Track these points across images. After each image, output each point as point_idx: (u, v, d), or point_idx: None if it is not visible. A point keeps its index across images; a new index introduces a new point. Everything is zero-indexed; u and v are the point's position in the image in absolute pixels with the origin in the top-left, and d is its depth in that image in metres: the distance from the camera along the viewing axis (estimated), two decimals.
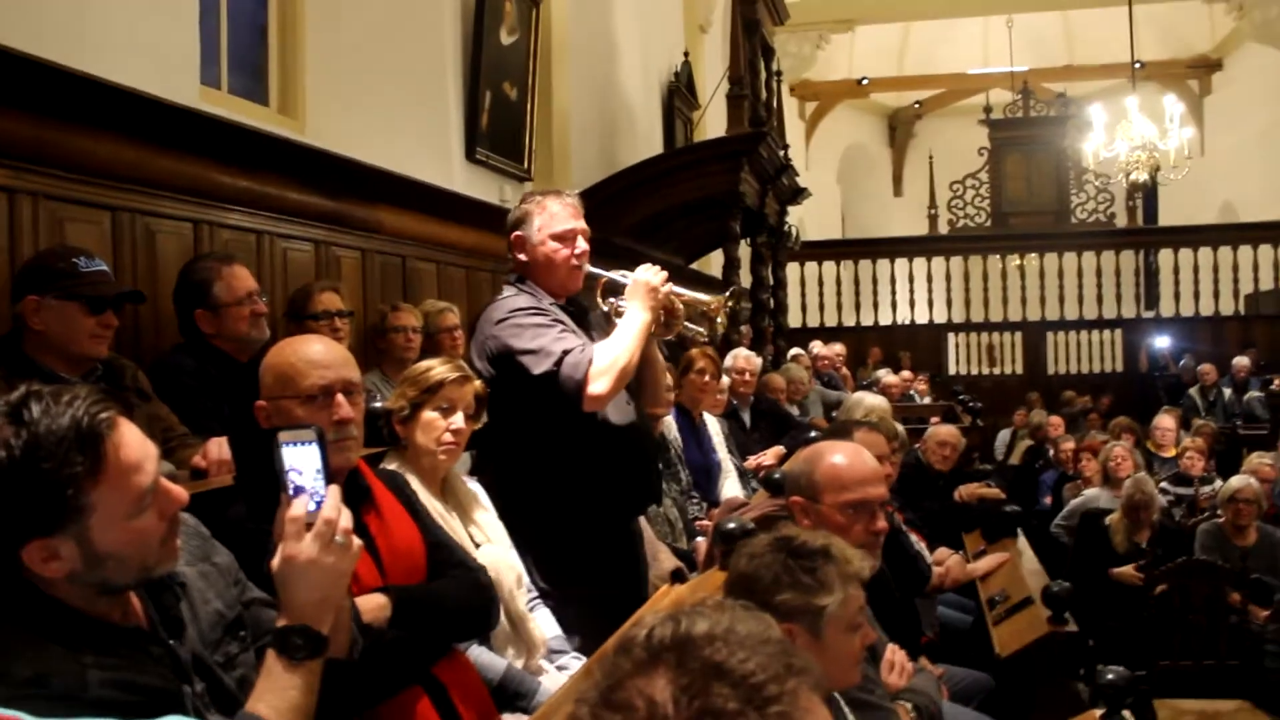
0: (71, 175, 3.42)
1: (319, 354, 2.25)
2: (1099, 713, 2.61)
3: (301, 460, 1.76)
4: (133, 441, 1.56)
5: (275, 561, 1.71)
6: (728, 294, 3.46)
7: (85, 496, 1.50)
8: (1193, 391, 12.08)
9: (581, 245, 3.28)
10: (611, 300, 3.38)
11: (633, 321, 3.16)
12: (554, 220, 3.25)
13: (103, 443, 1.51)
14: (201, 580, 1.79)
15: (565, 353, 3.04)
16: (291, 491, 1.75)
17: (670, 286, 3.24)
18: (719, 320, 3.44)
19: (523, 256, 3.28)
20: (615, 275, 3.36)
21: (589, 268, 3.32)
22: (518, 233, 3.28)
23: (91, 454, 1.49)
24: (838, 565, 2.13)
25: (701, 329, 3.66)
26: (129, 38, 3.81)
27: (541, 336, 3.08)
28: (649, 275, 3.22)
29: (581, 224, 3.30)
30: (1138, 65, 13.72)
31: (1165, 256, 14.22)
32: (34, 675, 1.45)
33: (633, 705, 0.98)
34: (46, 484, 1.47)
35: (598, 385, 3.03)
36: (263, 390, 2.25)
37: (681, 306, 3.32)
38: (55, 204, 3.36)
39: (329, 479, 1.77)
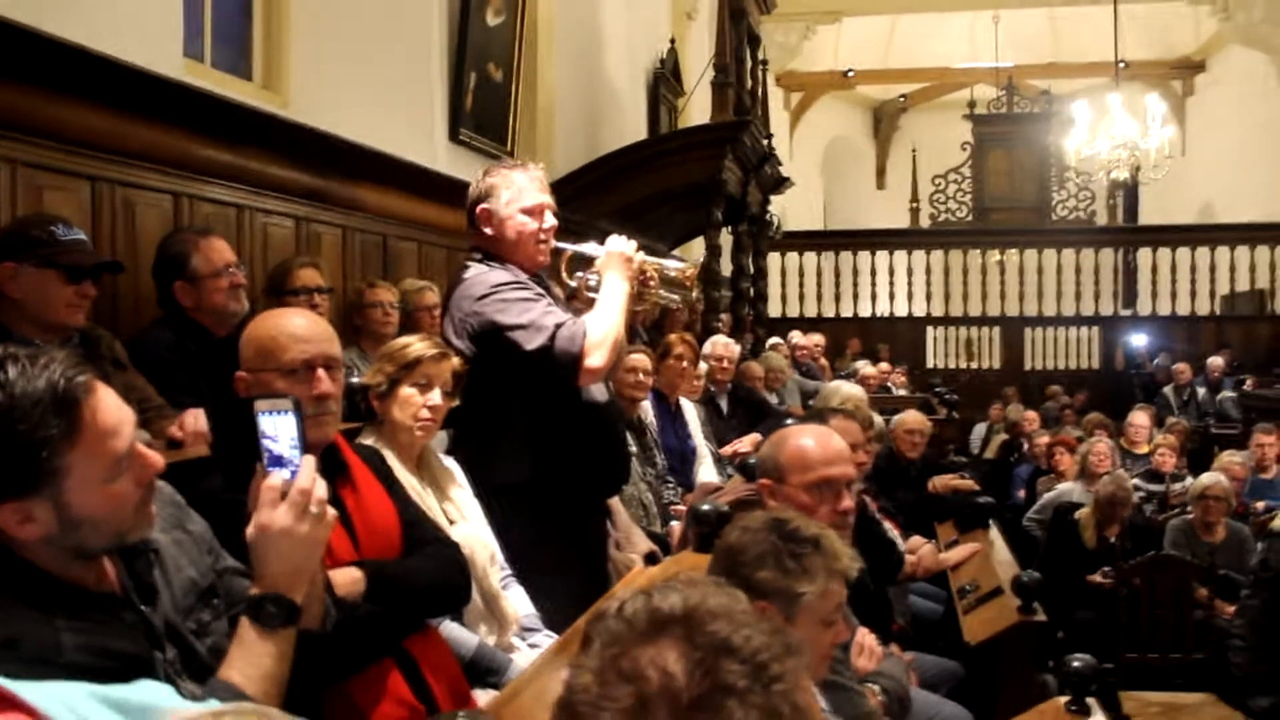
0: (51, 143, 3.40)
1: (301, 328, 2.25)
2: (1064, 700, 2.64)
3: (278, 429, 1.77)
4: (109, 406, 1.56)
5: (250, 530, 1.71)
6: (697, 260, 3.48)
7: (61, 459, 1.49)
8: (1167, 390, 12.18)
9: (550, 220, 3.24)
10: (580, 275, 3.36)
11: (615, 291, 3.15)
12: (522, 194, 3.21)
13: (79, 406, 1.50)
14: (175, 548, 1.79)
15: (558, 326, 3.01)
16: (267, 460, 1.75)
17: (642, 255, 3.24)
18: (692, 286, 3.45)
19: (489, 230, 3.21)
20: (583, 248, 3.35)
21: (556, 242, 3.30)
22: (484, 206, 3.21)
23: (67, 417, 1.49)
24: (825, 558, 2.13)
25: (675, 296, 3.66)
26: (113, 7, 3.79)
27: (530, 311, 3.04)
28: (622, 245, 3.21)
29: (549, 198, 3.27)
30: (1121, 64, 13.80)
31: (1144, 255, 14.31)
32: (6, 638, 1.45)
33: (644, 675, 0.99)
34: (22, 446, 1.46)
35: (594, 358, 3.01)
36: (243, 362, 2.25)
37: (655, 275, 3.32)
38: (34, 171, 3.34)
39: (305, 449, 1.78)
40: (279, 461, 1.76)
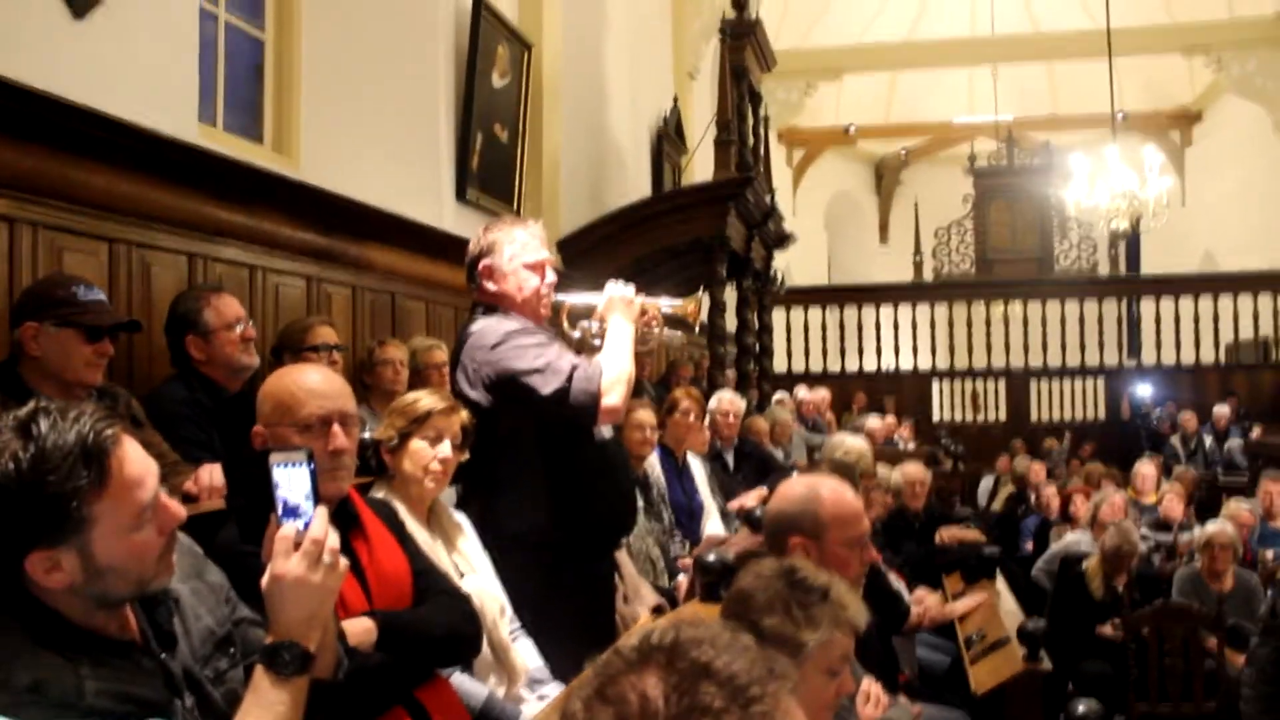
0: (71, 206, 3.49)
1: (318, 384, 2.30)
2: None
3: (292, 481, 1.81)
4: (135, 457, 1.62)
5: (265, 579, 1.76)
6: (697, 294, 3.53)
7: (89, 509, 1.54)
8: (1174, 440, 12.20)
9: (551, 275, 3.30)
10: (583, 324, 3.42)
11: (621, 332, 3.20)
12: (525, 250, 3.26)
13: (107, 458, 1.56)
14: (194, 597, 1.84)
15: (574, 368, 3.05)
16: (281, 512, 1.80)
17: (642, 297, 3.30)
18: (695, 321, 3.51)
19: (493, 286, 3.26)
20: (583, 298, 3.41)
21: (557, 295, 3.36)
22: (486, 262, 3.26)
23: (96, 468, 1.54)
24: (833, 608, 2.15)
25: (679, 334, 3.71)
26: (132, 74, 3.90)
27: (544, 355, 3.08)
28: (621, 289, 3.28)
29: (549, 254, 3.34)
30: (1120, 116, 13.94)
31: (1147, 305, 14.38)
32: (33, 682, 1.49)
33: (625, 699, 1.03)
34: (52, 496, 1.51)
35: (612, 396, 3.06)
36: (260, 417, 2.30)
37: (657, 314, 3.37)
38: (54, 234, 3.43)
39: (318, 500, 1.83)
40: (293, 512, 1.80)
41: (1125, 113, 14.82)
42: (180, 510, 1.70)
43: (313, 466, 1.83)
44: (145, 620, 1.73)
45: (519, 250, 3.25)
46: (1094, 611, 6.04)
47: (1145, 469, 8.97)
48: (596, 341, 3.28)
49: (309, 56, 5.46)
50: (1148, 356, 14.29)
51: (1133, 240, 16.96)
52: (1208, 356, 13.90)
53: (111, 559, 1.59)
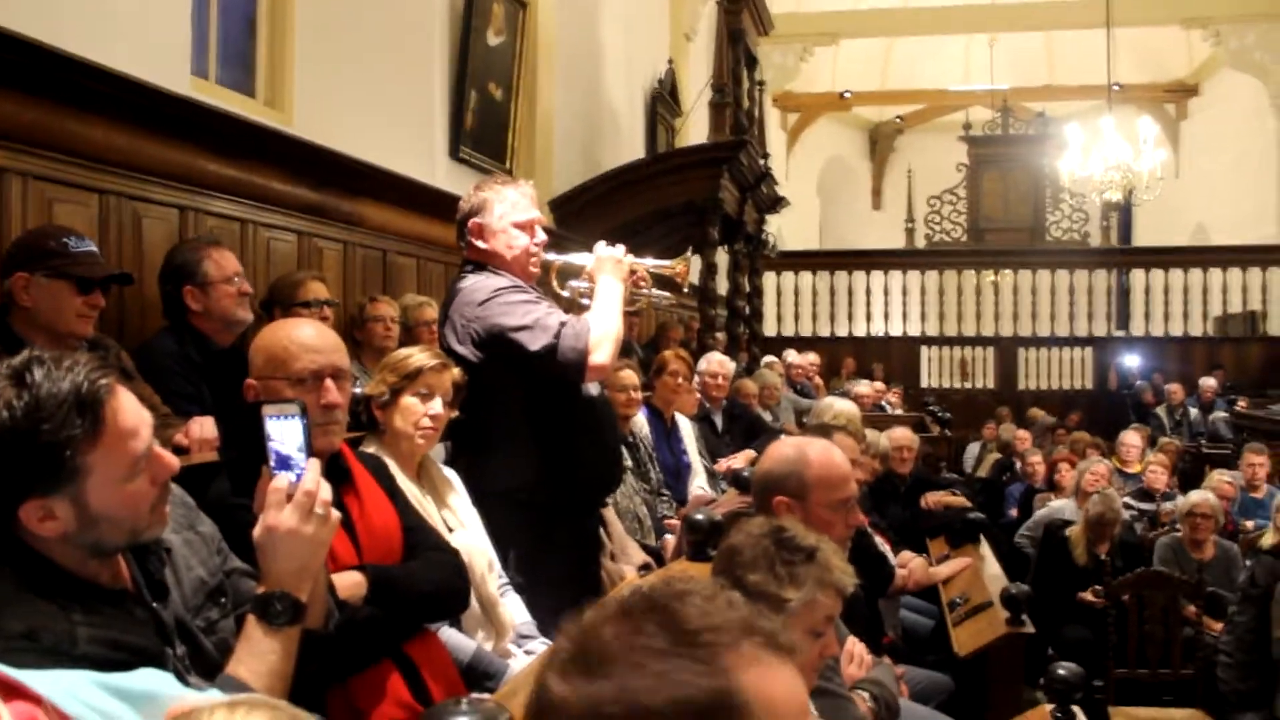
0: (62, 157, 3.47)
1: (311, 338, 2.31)
2: (1050, 708, 2.70)
3: (284, 433, 1.82)
4: (129, 408, 1.62)
5: (256, 530, 1.77)
6: (686, 255, 3.55)
7: (83, 458, 1.55)
8: (1160, 410, 12.26)
9: (540, 234, 3.31)
10: (571, 284, 3.44)
11: (610, 291, 3.22)
12: (515, 209, 3.27)
13: (102, 407, 1.56)
14: (186, 548, 1.85)
15: (561, 325, 3.07)
16: (274, 463, 1.81)
17: (631, 257, 3.31)
18: (684, 283, 3.52)
19: (482, 244, 3.27)
20: (571, 258, 3.42)
21: (546, 254, 3.37)
22: (476, 220, 3.27)
23: (91, 417, 1.55)
24: (818, 569, 2.18)
25: (667, 294, 3.73)
26: (124, 25, 3.87)
27: (533, 312, 3.10)
28: (609, 249, 3.29)
29: (539, 213, 3.35)
30: (1115, 87, 13.91)
31: (1138, 277, 14.42)
32: (26, 630, 1.50)
33: (586, 639, 1.02)
34: (46, 445, 1.52)
35: (600, 354, 3.08)
36: (252, 370, 2.31)
37: (646, 275, 3.38)
38: (45, 185, 3.42)
39: (310, 453, 1.84)
40: (285, 464, 1.81)
41: (1121, 85, 14.78)
42: (173, 461, 1.70)
43: (305, 419, 1.84)
44: (137, 569, 1.75)
45: (509, 209, 3.26)
46: (1076, 578, 6.10)
47: (1130, 439, 9.02)
48: (585, 301, 3.29)
49: (303, 10, 5.41)
50: (1136, 327, 14.33)
51: (1124, 212, 16.97)
52: (1196, 329, 13.96)
53: (105, 508, 1.59)
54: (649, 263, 3.40)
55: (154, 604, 1.73)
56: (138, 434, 1.62)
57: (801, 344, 12.59)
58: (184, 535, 1.87)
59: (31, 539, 1.59)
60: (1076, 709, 2.71)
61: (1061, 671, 2.71)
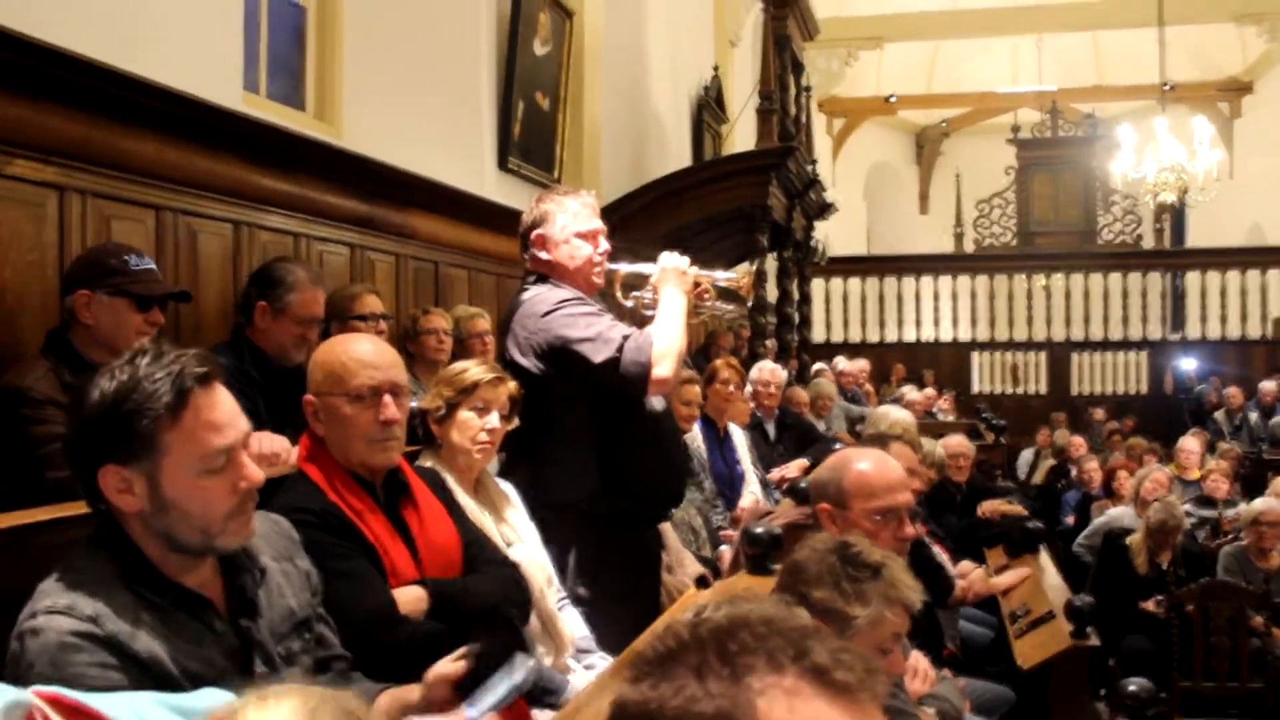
0: (120, 174, 3.50)
1: (369, 354, 2.30)
2: None
3: (497, 683, 1.86)
4: (220, 404, 1.69)
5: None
6: (751, 268, 3.50)
7: (160, 436, 1.63)
8: (1218, 415, 12.04)
9: (604, 244, 3.29)
10: (635, 295, 3.41)
11: (673, 303, 3.18)
12: (577, 219, 3.24)
13: (188, 393, 1.64)
14: (282, 576, 1.88)
15: (625, 338, 3.04)
16: (469, 697, 1.84)
17: (696, 269, 3.28)
18: (748, 295, 3.47)
19: (545, 255, 3.25)
20: (635, 268, 3.40)
21: (610, 265, 3.34)
22: (539, 231, 3.25)
23: (175, 398, 1.63)
24: (885, 585, 2.14)
25: (730, 307, 3.69)
26: (177, 41, 3.89)
27: (596, 324, 3.07)
28: (675, 260, 3.25)
29: (601, 223, 3.31)
30: (1167, 87, 13.72)
31: (1193, 278, 14.18)
32: (94, 614, 1.55)
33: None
34: (128, 412, 1.62)
35: (662, 368, 3.04)
36: (311, 386, 2.30)
37: (709, 287, 3.35)
38: (103, 202, 3.44)
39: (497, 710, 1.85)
40: (471, 699, 1.83)
41: (1172, 84, 14.55)
42: (257, 474, 1.73)
43: (519, 687, 1.85)
44: (227, 586, 1.78)
45: (571, 219, 3.24)
46: (1137, 587, 6.00)
47: (1189, 444, 8.87)
48: (649, 312, 3.26)
49: (351, 23, 5.44)
50: (1192, 330, 14.09)
51: (1178, 213, 16.70)
52: (1255, 331, 13.71)
53: (176, 496, 1.65)
54: (713, 274, 3.37)
55: (242, 620, 1.75)
56: (220, 430, 1.67)
57: (850, 350, 12.52)
58: (282, 565, 1.90)
59: (122, 521, 1.67)
60: None
61: (1132, 688, 2.65)
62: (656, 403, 3.25)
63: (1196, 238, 17.43)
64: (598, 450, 3.15)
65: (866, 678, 0.95)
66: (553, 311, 3.11)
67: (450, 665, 1.81)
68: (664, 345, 3.06)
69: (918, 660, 2.93)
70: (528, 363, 3.13)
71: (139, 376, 1.63)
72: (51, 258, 3.23)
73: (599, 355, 3.04)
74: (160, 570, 1.67)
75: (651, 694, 0.95)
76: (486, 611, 2.39)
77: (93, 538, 1.71)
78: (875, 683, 0.95)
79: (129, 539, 1.67)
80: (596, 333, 3.06)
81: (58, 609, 1.55)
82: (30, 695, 1.36)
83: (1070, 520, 8.83)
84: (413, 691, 1.87)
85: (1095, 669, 4.46)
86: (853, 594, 2.12)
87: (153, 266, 2.97)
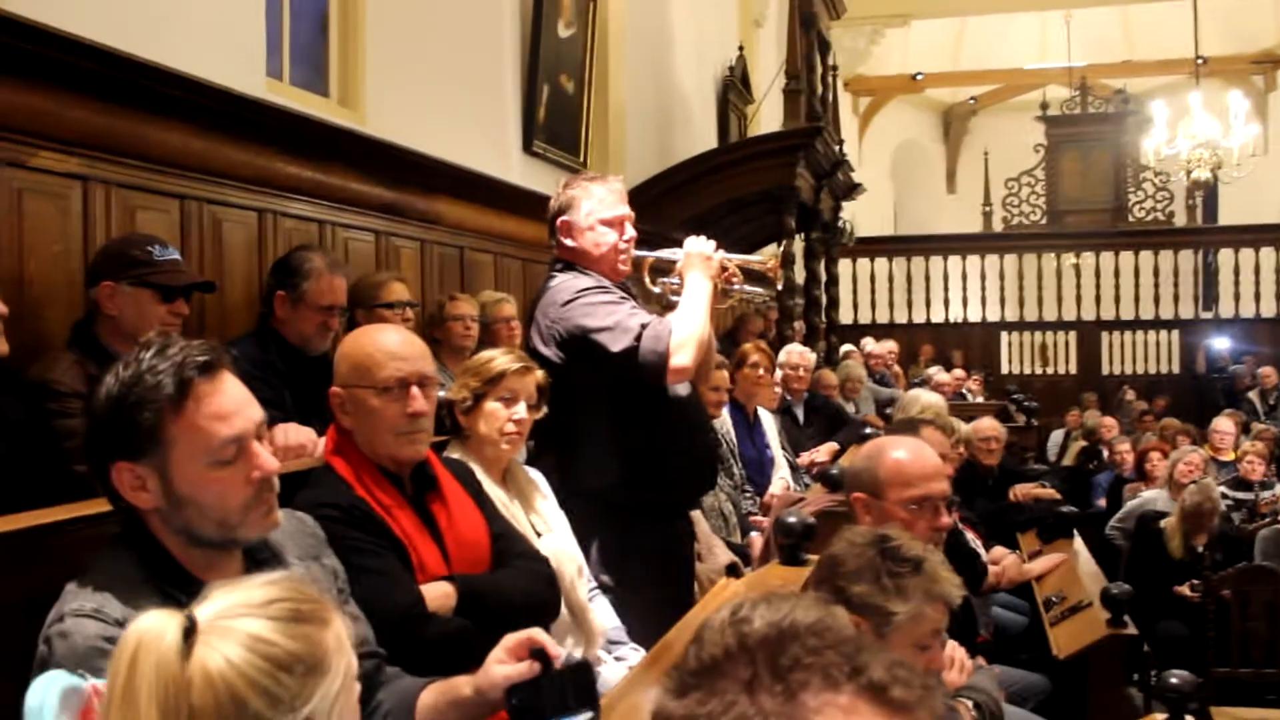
0: (143, 164, 3.48)
1: (396, 345, 2.27)
2: (1162, 718, 2.58)
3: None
4: (226, 391, 1.66)
5: None
6: (779, 251, 3.45)
7: (165, 428, 1.61)
8: (1252, 395, 11.88)
9: (630, 230, 3.25)
10: (663, 281, 3.37)
11: (698, 290, 3.14)
12: (602, 205, 3.21)
13: (192, 383, 1.62)
14: (306, 574, 1.84)
15: (643, 327, 3.00)
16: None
17: (722, 253, 3.23)
18: (776, 279, 3.43)
19: (571, 242, 3.22)
20: (663, 254, 3.36)
21: (636, 251, 3.30)
22: (564, 218, 3.22)
23: (178, 389, 1.61)
24: (925, 580, 2.10)
25: (759, 290, 3.64)
26: (198, 29, 3.87)
27: (615, 313, 3.04)
28: (700, 245, 3.21)
29: (628, 209, 3.27)
30: (1200, 61, 13.51)
31: (1225, 256, 14.00)
32: (122, 618, 1.53)
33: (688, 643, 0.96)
34: (133, 405, 1.60)
35: (681, 357, 3.00)
36: (338, 378, 2.27)
37: (737, 271, 3.30)
38: (126, 192, 3.42)
39: None
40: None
41: (1205, 58, 14.33)
42: (271, 462, 1.70)
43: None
44: None
45: (596, 205, 3.20)
46: (1172, 571, 5.93)
47: (1224, 425, 8.75)
48: (676, 298, 3.22)
49: (373, 7, 5.39)
50: (1225, 309, 13.91)
51: (1210, 190, 16.48)
52: None
53: (190, 489, 1.63)
54: (740, 258, 3.32)
55: None
56: (227, 419, 1.64)
57: (878, 331, 12.43)
58: (307, 564, 1.87)
59: (146, 522, 1.66)
60: (1190, 718, 2.60)
61: (1174, 680, 2.59)
62: (681, 390, 3.21)
63: (1230, 214, 17.17)
64: (619, 438, 3.12)
65: (924, 695, 0.91)
66: (573, 300, 3.08)
67: (514, 668, 1.73)
68: (684, 334, 3.02)
69: (954, 651, 2.87)
70: (549, 352, 3.11)
71: (141, 370, 1.62)
72: (76, 249, 3.22)
73: (617, 344, 3.00)
74: (184, 568, 1.66)
75: (699, 709, 0.90)
76: (515, 608, 2.37)
77: (117, 536, 1.70)
78: (932, 700, 0.91)
79: (153, 537, 1.66)
80: (615, 321, 3.02)
81: (85, 612, 1.54)
82: (87, 684, 1.38)
83: (1102, 503, 8.73)
84: (463, 685, 1.81)
85: (1129, 654, 4.41)
86: (893, 589, 2.07)
87: (177, 256, 2.96)
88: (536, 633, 1.76)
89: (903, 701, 0.89)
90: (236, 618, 1.18)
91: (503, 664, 1.72)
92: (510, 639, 1.73)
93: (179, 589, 1.61)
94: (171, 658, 1.14)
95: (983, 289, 14.33)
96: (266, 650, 1.17)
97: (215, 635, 1.16)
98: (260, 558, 1.76)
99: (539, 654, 1.72)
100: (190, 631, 1.16)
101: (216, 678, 1.14)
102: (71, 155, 3.22)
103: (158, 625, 1.16)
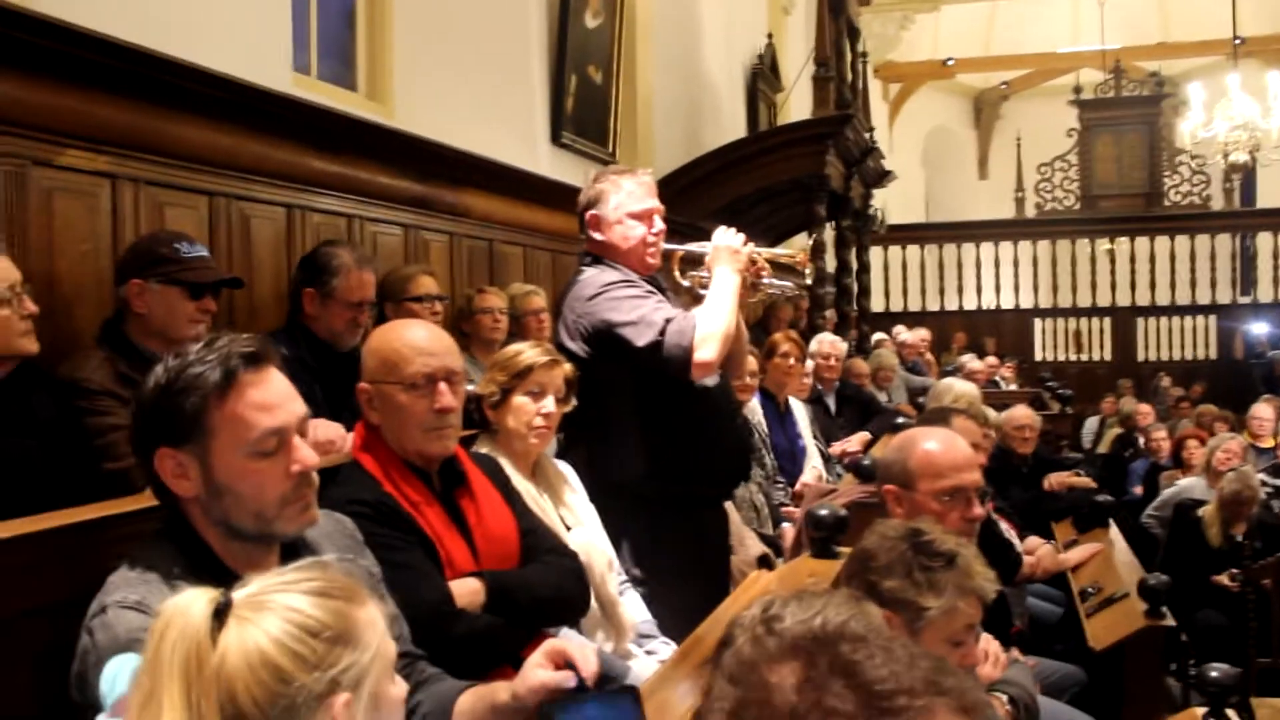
0: (170, 161, 3.48)
1: (424, 340, 2.26)
2: (1201, 711, 2.54)
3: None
4: (271, 384, 1.68)
5: None
6: (809, 242, 3.42)
7: (208, 417, 1.63)
8: None
9: (659, 224, 3.24)
10: (692, 274, 3.35)
11: (725, 284, 3.12)
12: (631, 199, 3.20)
13: (235, 374, 1.64)
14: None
15: (668, 321, 2.99)
16: None
17: (751, 246, 3.21)
18: (806, 271, 3.41)
19: (599, 236, 3.21)
20: (692, 247, 3.34)
21: (665, 244, 3.28)
22: (593, 212, 3.22)
23: (222, 379, 1.63)
24: (958, 575, 2.08)
25: (789, 284, 3.61)
26: (225, 25, 3.88)
27: (640, 307, 3.03)
28: (728, 238, 3.19)
29: (657, 202, 3.26)
30: (1238, 41, 13.31)
31: (1264, 239, 13.80)
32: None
33: (761, 685, 0.96)
34: (177, 392, 1.64)
35: (705, 351, 2.99)
36: (365, 373, 2.27)
37: (766, 264, 3.28)
38: (155, 189, 3.42)
39: None
40: None
41: (1243, 38, 14.10)
42: (311, 457, 1.70)
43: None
44: None
45: (625, 199, 3.19)
46: (1210, 560, 5.85)
47: (1262, 411, 8.62)
48: (704, 291, 3.20)
49: (400, 1, 5.39)
50: (1264, 293, 13.72)
51: (1248, 172, 16.25)
52: None
53: (229, 479, 1.64)
54: (769, 251, 3.29)
55: None
56: (270, 410, 1.66)
57: (910, 319, 12.36)
58: (347, 564, 1.85)
59: (185, 511, 1.68)
60: (1231, 713, 2.55)
61: (1215, 673, 2.55)
62: (710, 381, 3.19)
63: (1267, 198, 16.93)
64: (648, 432, 3.12)
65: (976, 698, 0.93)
66: (598, 295, 3.08)
67: (552, 675, 1.68)
68: (709, 328, 3.00)
69: (988, 644, 2.84)
70: (576, 347, 3.11)
71: (189, 360, 1.65)
72: (105, 247, 3.22)
73: (642, 339, 3.00)
74: (224, 562, 1.67)
75: None
76: (544, 604, 2.36)
77: (160, 531, 1.73)
78: None
79: (194, 531, 1.68)
80: (640, 316, 3.01)
81: (128, 604, 1.56)
82: None
83: (1138, 491, 8.64)
84: (501, 691, 1.79)
85: (1167, 645, 4.35)
86: (925, 584, 2.05)
87: (205, 253, 2.96)
88: (573, 648, 1.67)
89: None
90: (270, 594, 1.26)
91: (542, 669, 1.69)
92: (550, 645, 1.69)
93: (218, 583, 1.60)
94: (199, 630, 1.20)
95: (1016, 275, 14.21)
96: (296, 618, 1.23)
97: (249, 609, 1.24)
98: (298, 553, 1.75)
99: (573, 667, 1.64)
100: (224, 610, 1.22)
101: (249, 643, 1.20)
102: (99, 153, 3.23)
103: (190, 600, 1.23)
